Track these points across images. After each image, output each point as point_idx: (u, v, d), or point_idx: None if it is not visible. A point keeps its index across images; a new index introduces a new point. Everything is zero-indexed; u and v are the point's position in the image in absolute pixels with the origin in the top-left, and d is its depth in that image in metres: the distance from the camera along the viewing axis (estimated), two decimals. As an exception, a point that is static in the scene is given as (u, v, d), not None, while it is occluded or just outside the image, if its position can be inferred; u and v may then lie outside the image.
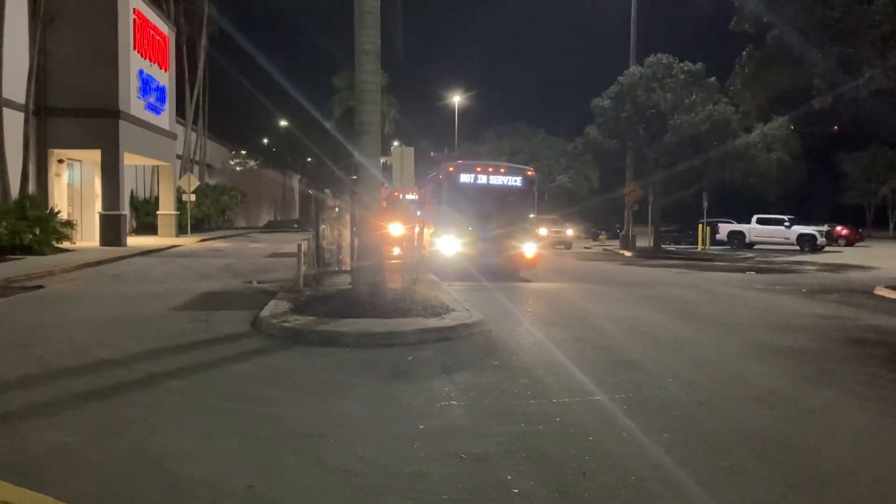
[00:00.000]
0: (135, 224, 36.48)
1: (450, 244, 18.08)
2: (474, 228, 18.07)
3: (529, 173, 19.24)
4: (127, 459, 5.03)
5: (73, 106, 25.94)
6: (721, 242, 40.23)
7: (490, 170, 19.09)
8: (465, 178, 18.64)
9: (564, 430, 5.94)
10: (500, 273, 18.54)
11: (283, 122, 66.59)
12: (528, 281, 18.14)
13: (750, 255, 34.83)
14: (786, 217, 39.69)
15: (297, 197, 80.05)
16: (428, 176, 26.15)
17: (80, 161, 29.96)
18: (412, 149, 17.42)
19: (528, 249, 18.62)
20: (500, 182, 18.85)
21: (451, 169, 18.78)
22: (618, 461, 5.24)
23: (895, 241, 53.55)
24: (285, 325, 10.06)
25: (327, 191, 17.82)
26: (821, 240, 38.39)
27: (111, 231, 26.89)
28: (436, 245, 18.39)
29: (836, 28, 15.74)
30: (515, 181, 18.95)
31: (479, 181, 18.70)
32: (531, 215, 19.24)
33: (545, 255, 23.97)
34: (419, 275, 15.03)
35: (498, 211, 18.70)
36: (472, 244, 18.04)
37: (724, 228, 40.90)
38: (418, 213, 23.23)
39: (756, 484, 4.89)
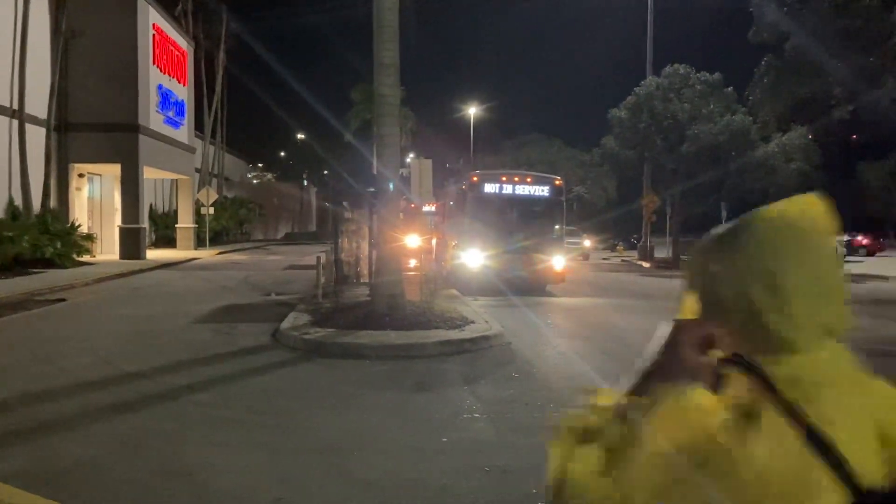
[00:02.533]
0: (154, 237, 36.72)
1: (474, 257, 17.30)
2: (500, 240, 17.22)
3: (557, 182, 18.56)
4: (155, 472, 5.06)
5: (94, 121, 26.21)
6: (740, 253, 39.91)
7: (516, 179, 18.39)
8: (489, 187, 17.97)
9: (588, 443, 5.90)
10: (527, 287, 17.55)
11: (300, 136, 66.96)
12: (554, 295, 17.48)
13: (769, 265, 34.50)
14: (805, 227, 39.32)
15: (314, 210, 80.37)
16: (447, 186, 25.98)
17: (101, 175, 30.25)
18: (430, 161, 17.11)
19: (557, 262, 17.74)
20: (526, 192, 18.12)
21: (474, 178, 18.28)
22: (643, 474, 5.20)
23: (917, 251, 52.94)
24: (306, 337, 10.09)
25: (345, 203, 17.76)
26: (841, 250, 37.97)
27: (131, 244, 27.08)
28: (459, 258, 17.63)
29: (857, 37, 15.67)
30: (543, 191, 18.23)
31: (504, 191, 18.00)
32: (559, 226, 18.48)
33: (573, 267, 23.53)
34: (438, 289, 14.92)
35: (524, 222, 17.98)
36: (498, 257, 17.19)
37: (744, 239, 40.58)
38: (438, 225, 23.14)
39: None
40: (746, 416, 0.99)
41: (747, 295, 1.08)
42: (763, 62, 18.61)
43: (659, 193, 36.31)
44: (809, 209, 1.19)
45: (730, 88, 33.50)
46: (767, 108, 20.25)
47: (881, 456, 0.99)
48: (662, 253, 37.55)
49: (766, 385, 1.02)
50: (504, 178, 18.27)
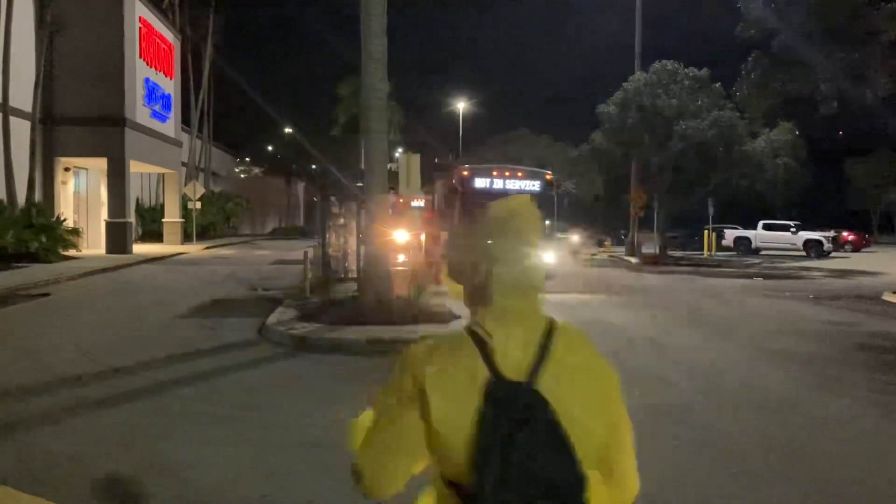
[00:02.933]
0: (140, 231, 36.52)
1: None
2: None
3: (548, 177, 18.72)
4: (140, 468, 5.03)
5: (80, 114, 26.04)
6: (727, 248, 40.10)
7: (507, 173, 18.39)
8: (480, 182, 17.98)
9: (575, 438, 5.91)
10: None
11: (287, 130, 66.71)
12: (558, 293, 16.67)
13: (756, 260, 34.72)
14: (792, 223, 39.59)
15: (301, 204, 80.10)
16: (435, 181, 25.94)
17: (87, 169, 30.04)
18: (418, 155, 16.99)
19: (548, 258, 17.88)
20: (517, 186, 18.14)
21: (465, 173, 18.20)
22: (629, 469, 5.21)
23: (901, 247, 53.36)
24: (292, 332, 10.06)
25: (333, 198, 17.67)
26: (827, 245, 38.27)
27: (117, 239, 26.92)
28: None
29: (842, 34, 15.73)
30: (534, 185, 18.32)
31: (495, 185, 17.99)
32: (550, 222, 18.38)
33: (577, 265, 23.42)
34: (427, 285, 14.88)
35: None
36: None
37: (731, 234, 40.77)
38: (426, 219, 23.09)
39: (768, 491, 4.86)
40: (455, 345, 1.56)
41: (474, 261, 1.62)
42: (750, 58, 18.65)
43: (646, 189, 36.41)
44: (518, 206, 1.71)
45: (717, 84, 33.61)
46: (755, 104, 20.33)
47: (525, 364, 1.51)
48: (650, 248, 37.66)
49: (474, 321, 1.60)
50: (495, 173, 18.30)
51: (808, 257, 37.01)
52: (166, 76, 33.07)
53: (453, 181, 18.35)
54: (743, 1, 17.31)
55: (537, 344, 1.58)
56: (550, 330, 1.62)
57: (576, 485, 1.48)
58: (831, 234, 41.14)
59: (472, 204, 17.04)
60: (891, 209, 61.30)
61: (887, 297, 17.24)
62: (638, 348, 10.24)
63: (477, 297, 1.62)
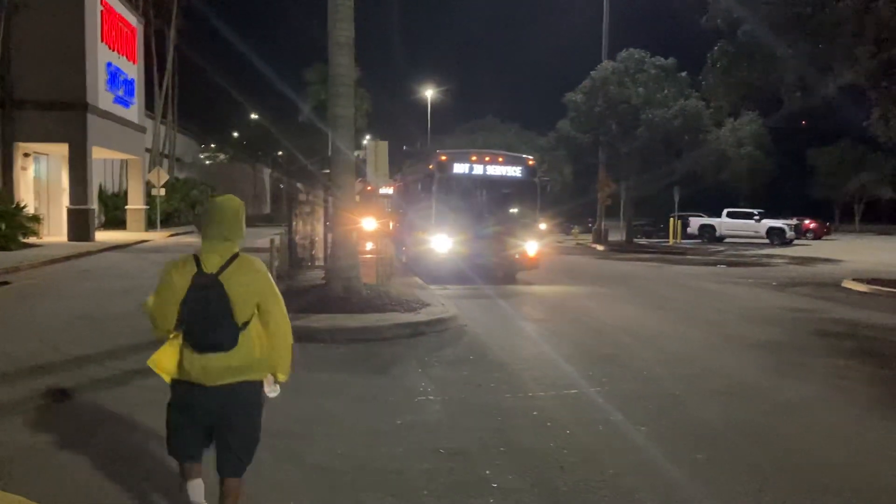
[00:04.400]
0: (103, 219, 35.92)
1: (441, 243, 16.19)
2: (469, 225, 16.35)
3: (531, 162, 17.52)
4: (103, 458, 4.95)
5: (40, 98, 25.46)
6: (692, 236, 40.61)
7: (487, 159, 17.16)
8: (458, 167, 16.80)
9: (542, 425, 5.96)
10: (497, 274, 16.95)
11: (254, 116, 65.97)
12: (530, 283, 16.64)
13: (720, 248, 35.18)
14: (755, 211, 40.18)
15: (268, 191, 79.40)
16: (407, 168, 25.55)
17: (47, 155, 29.44)
18: (386, 143, 16.72)
19: (531, 248, 16.83)
20: (498, 172, 17.06)
21: (442, 158, 16.99)
22: (595, 455, 5.27)
23: (861, 235, 54.44)
24: (259, 320, 9.96)
25: (299, 185, 17.45)
26: (790, 233, 38.93)
27: (79, 226, 26.45)
28: (425, 244, 16.50)
29: (807, 25, 15.91)
30: (515, 171, 17.17)
31: (474, 171, 16.84)
32: (534, 209, 17.43)
33: (546, 252, 22.87)
34: (397, 276, 14.77)
35: (496, 205, 17.26)
36: (467, 242, 16.20)
37: (695, 222, 41.28)
38: (396, 207, 22.84)
39: (732, 476, 4.93)
40: (185, 260, 3.62)
41: (200, 224, 3.79)
42: (716, 48, 18.78)
43: (614, 177, 36.67)
44: (222, 201, 3.72)
45: (684, 73, 33.92)
46: (720, 94, 20.46)
47: (216, 268, 3.55)
48: (617, 236, 37.98)
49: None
50: (474, 158, 17.12)
51: (770, 245, 37.61)
52: (129, 60, 32.46)
53: (430, 166, 17.09)
54: (709, -10, 17.44)
55: (225, 261, 3.57)
56: (235, 256, 3.62)
57: (227, 320, 3.51)
58: (794, 222, 41.87)
59: (450, 190, 16.85)
60: (851, 198, 62.44)
61: (847, 284, 17.58)
62: (603, 334, 10.33)
63: (202, 239, 3.67)
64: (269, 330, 3.66)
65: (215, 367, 3.52)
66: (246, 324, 3.56)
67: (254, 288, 3.57)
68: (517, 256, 16.75)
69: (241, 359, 3.55)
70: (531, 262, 17.06)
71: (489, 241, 16.34)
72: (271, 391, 3.89)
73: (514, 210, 17.35)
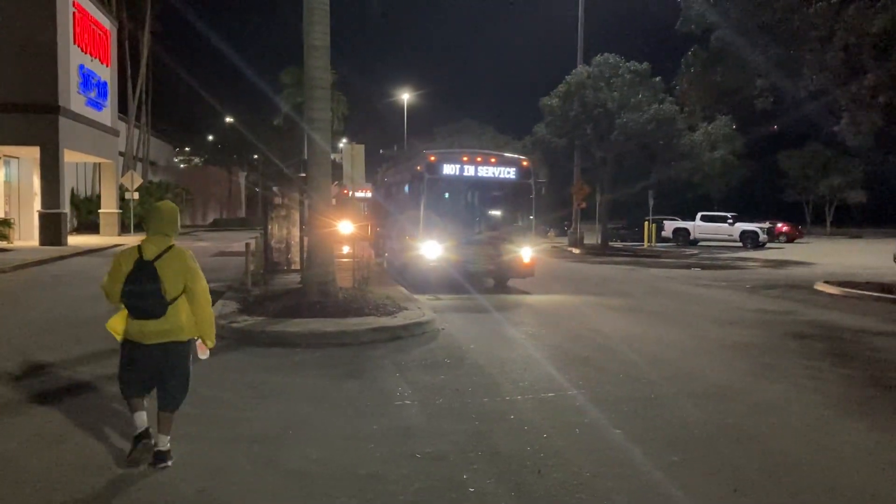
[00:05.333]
0: (76, 223, 35.53)
1: (431, 249, 15.16)
2: (461, 230, 15.58)
3: (525, 164, 16.40)
4: (73, 466, 4.88)
5: (11, 101, 25.11)
6: (666, 239, 40.94)
7: (479, 159, 16.06)
8: (449, 169, 15.72)
9: (519, 428, 5.96)
10: (490, 282, 16.44)
11: (229, 119, 65.54)
12: (525, 293, 15.68)
13: (694, 251, 35.49)
14: (729, 214, 40.58)
15: (243, 195, 78.93)
16: (384, 169, 25.27)
17: (18, 158, 29.05)
18: (362, 146, 16.61)
19: (526, 254, 15.77)
20: (490, 174, 16.01)
21: (432, 158, 15.93)
22: (572, 458, 5.28)
23: (833, 238, 55.19)
24: (234, 325, 9.89)
25: (275, 188, 17.33)
26: (763, 236, 39.35)
27: (51, 230, 26.10)
28: (416, 250, 15.42)
29: (778, 30, 16.10)
30: (509, 173, 16.09)
31: (465, 173, 15.78)
32: (529, 213, 16.49)
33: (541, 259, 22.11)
34: (375, 282, 14.63)
35: (489, 208, 16.59)
36: (458, 249, 15.25)
37: (670, 225, 41.62)
38: (374, 211, 22.66)
39: (708, 478, 4.96)
40: (131, 250, 4.83)
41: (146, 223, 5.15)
42: (690, 53, 18.96)
43: (589, 180, 36.85)
44: (165, 203, 5.06)
45: (658, 78, 34.17)
46: (693, 98, 20.66)
47: (154, 255, 4.75)
48: (592, 239, 38.17)
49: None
50: (465, 159, 16.02)
51: (744, 248, 38.00)
52: (102, 63, 32.12)
53: (418, 167, 16.13)
54: (682, -4, 17.59)
55: (161, 251, 4.73)
56: (170, 247, 4.79)
57: (157, 294, 4.66)
58: (766, 225, 42.33)
59: (439, 192, 16.10)
60: (822, 201, 63.28)
61: (819, 286, 17.79)
62: (579, 337, 10.36)
63: (146, 233, 4.91)
64: (194, 304, 4.87)
65: (150, 331, 4.74)
66: (175, 299, 4.77)
67: (181, 272, 4.79)
68: (511, 263, 15.77)
69: (170, 324, 4.75)
70: (526, 269, 15.98)
71: (482, 247, 15.59)
72: (202, 354, 5.11)
73: (507, 214, 16.56)
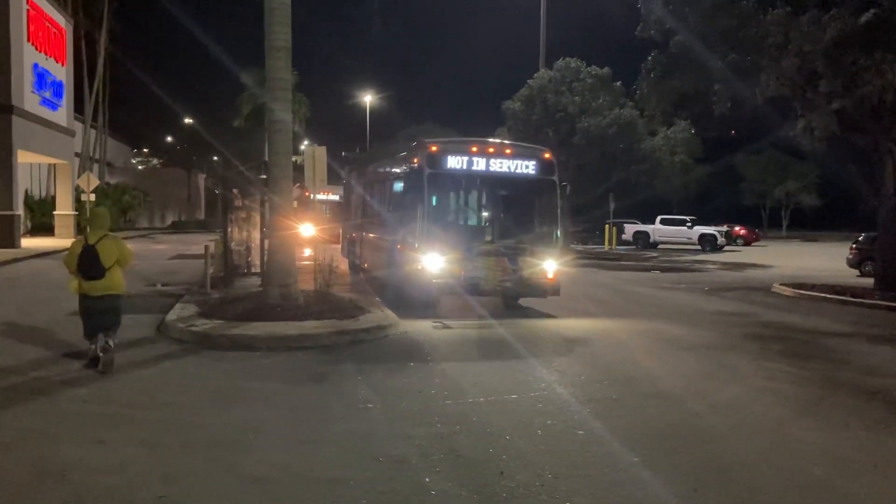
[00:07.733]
0: (30, 225, 34.75)
1: (433, 262, 12.14)
2: (470, 238, 13.05)
3: (547, 156, 13.27)
4: (28, 472, 4.76)
5: (-39, 100, 24.48)
6: (627, 242, 41.37)
7: (490, 150, 12.86)
8: (454, 162, 12.60)
9: (481, 430, 5.96)
10: (507, 302, 13.84)
11: (188, 120, 64.71)
12: (549, 315, 13.29)
13: (654, 254, 35.93)
14: (688, 218, 41.15)
15: (203, 197, 77.86)
16: (365, 165, 24.02)
17: (-31, 158, 28.29)
18: (324, 148, 16.36)
19: (550, 267, 12.80)
20: (504, 168, 12.80)
21: (433, 149, 12.67)
22: (534, 459, 5.29)
23: (788, 241, 56.33)
24: (193, 329, 9.75)
25: (235, 190, 17.10)
26: (721, 240, 39.96)
27: (3, 232, 25.45)
28: (414, 263, 12.33)
29: (735, 36, 16.36)
30: (527, 167, 12.91)
31: (474, 167, 12.70)
32: (553, 217, 13.36)
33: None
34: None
35: (504, 211, 13.95)
36: (467, 262, 12.30)
37: (630, 229, 42.06)
38: (342, 212, 22.09)
39: (668, 477, 5.01)
40: (80, 239, 7.96)
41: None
42: (650, 58, 19.17)
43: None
44: (100, 208, 8.63)
45: (618, 83, 34.58)
46: (653, 103, 20.89)
47: (95, 241, 7.70)
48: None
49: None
50: (475, 149, 12.79)
51: (703, 251, 38.53)
52: (58, 62, 31.46)
53: (414, 160, 12.96)
54: (643, 1, 17.74)
55: (98, 238, 7.70)
56: (105, 235, 7.78)
57: (98, 264, 7.62)
58: (724, 228, 43.01)
59: (443, 188, 13.53)
60: (778, 205, 64.52)
61: (776, 288, 18.12)
62: (542, 341, 10.40)
63: (89, 228, 8.07)
64: (124, 264, 7.92)
65: (96, 287, 7.64)
66: (110, 267, 7.67)
67: (114, 250, 7.73)
68: (532, 278, 12.74)
69: (108, 282, 7.69)
70: (549, 285, 12.89)
71: (496, 258, 12.63)
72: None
73: (527, 218, 13.62)
